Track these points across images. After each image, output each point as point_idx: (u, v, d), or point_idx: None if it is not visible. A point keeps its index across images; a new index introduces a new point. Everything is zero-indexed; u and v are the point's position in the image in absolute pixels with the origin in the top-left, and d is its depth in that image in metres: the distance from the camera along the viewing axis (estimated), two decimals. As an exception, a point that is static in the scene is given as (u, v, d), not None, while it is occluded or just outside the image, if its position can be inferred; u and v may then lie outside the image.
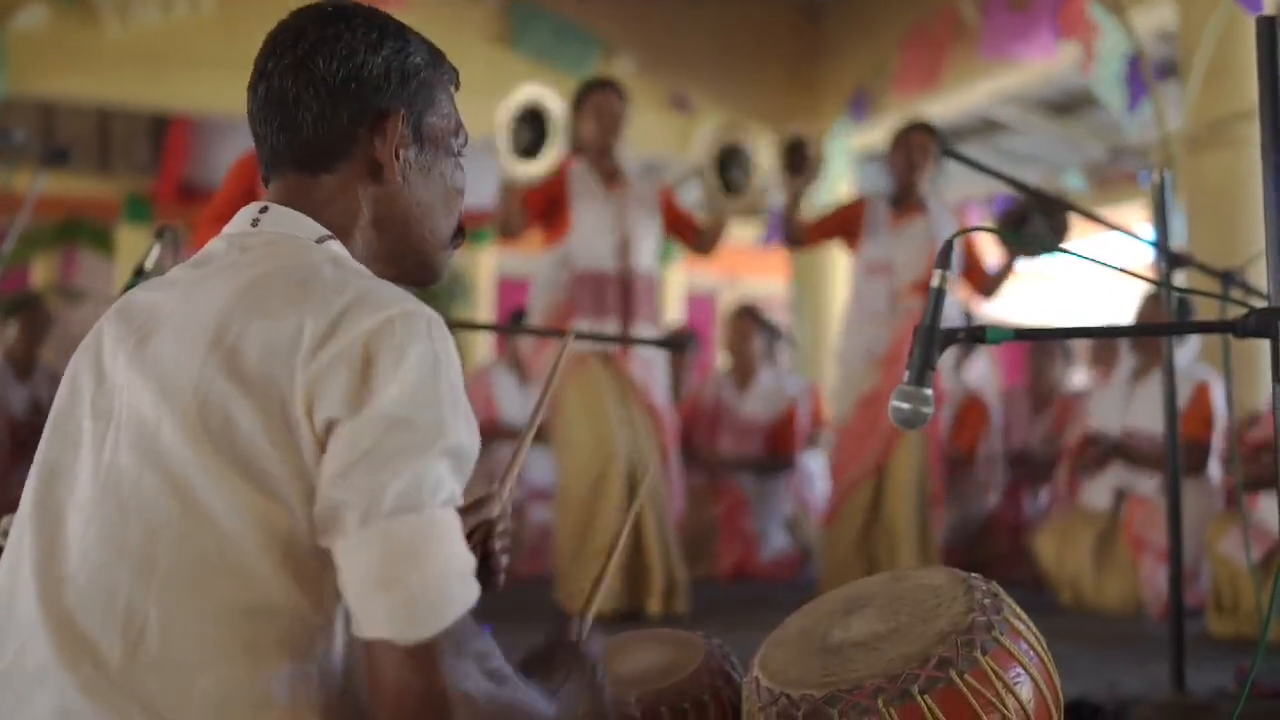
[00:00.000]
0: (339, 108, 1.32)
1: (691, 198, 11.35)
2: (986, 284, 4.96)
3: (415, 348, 1.16)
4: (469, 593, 1.15)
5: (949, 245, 1.81)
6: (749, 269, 13.74)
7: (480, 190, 12.28)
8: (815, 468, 7.07)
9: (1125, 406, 5.01)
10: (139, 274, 2.43)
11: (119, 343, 1.24)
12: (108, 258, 11.17)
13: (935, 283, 1.82)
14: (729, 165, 4.68)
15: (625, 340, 4.39)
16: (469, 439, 1.19)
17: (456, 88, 1.45)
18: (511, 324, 6.52)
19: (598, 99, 4.60)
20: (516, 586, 5.48)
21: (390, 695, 1.12)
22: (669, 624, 4.15)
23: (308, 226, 1.30)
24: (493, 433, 6.19)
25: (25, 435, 5.74)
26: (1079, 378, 7.69)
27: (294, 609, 1.15)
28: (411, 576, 1.11)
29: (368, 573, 1.11)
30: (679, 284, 12.59)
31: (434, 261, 1.42)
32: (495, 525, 1.62)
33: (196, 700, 1.11)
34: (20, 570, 1.19)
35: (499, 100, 8.20)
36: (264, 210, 1.32)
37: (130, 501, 1.16)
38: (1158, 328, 3.26)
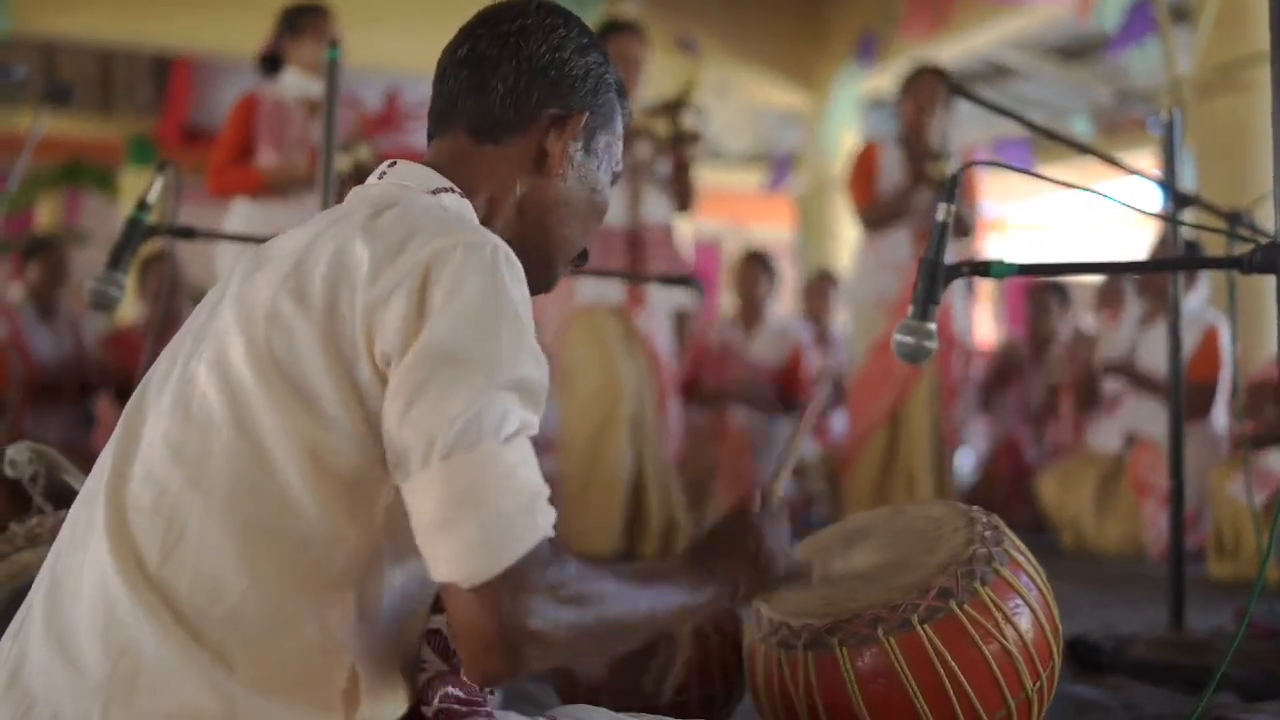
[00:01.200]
0: (533, 88, 1.36)
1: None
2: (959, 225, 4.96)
3: (474, 277, 1.14)
4: (534, 528, 1.12)
5: (953, 179, 1.80)
6: (754, 215, 13.70)
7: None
8: (839, 422, 7.08)
9: (1133, 350, 5.01)
10: (142, 207, 2.43)
11: (236, 278, 1.29)
12: (111, 200, 11.14)
13: (939, 216, 1.81)
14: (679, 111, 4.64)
15: (630, 277, 4.36)
16: (535, 371, 1.16)
17: (628, 129, 1.49)
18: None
19: (620, 44, 4.48)
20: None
21: (463, 636, 1.12)
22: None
23: (429, 178, 1.33)
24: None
25: (48, 378, 5.77)
26: (1086, 321, 7.69)
27: (333, 538, 1.15)
28: (469, 518, 1.09)
29: (429, 515, 1.11)
30: (683, 231, 12.56)
31: (555, 267, 1.44)
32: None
33: (219, 612, 1.13)
34: (104, 464, 1.24)
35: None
36: (392, 164, 1.36)
37: (195, 413, 1.19)
38: (1164, 263, 3.24)
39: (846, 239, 8.93)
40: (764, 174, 10.37)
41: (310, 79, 4.11)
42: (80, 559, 1.20)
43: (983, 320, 15.02)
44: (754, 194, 11.35)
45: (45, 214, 11.70)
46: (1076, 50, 8.96)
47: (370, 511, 1.16)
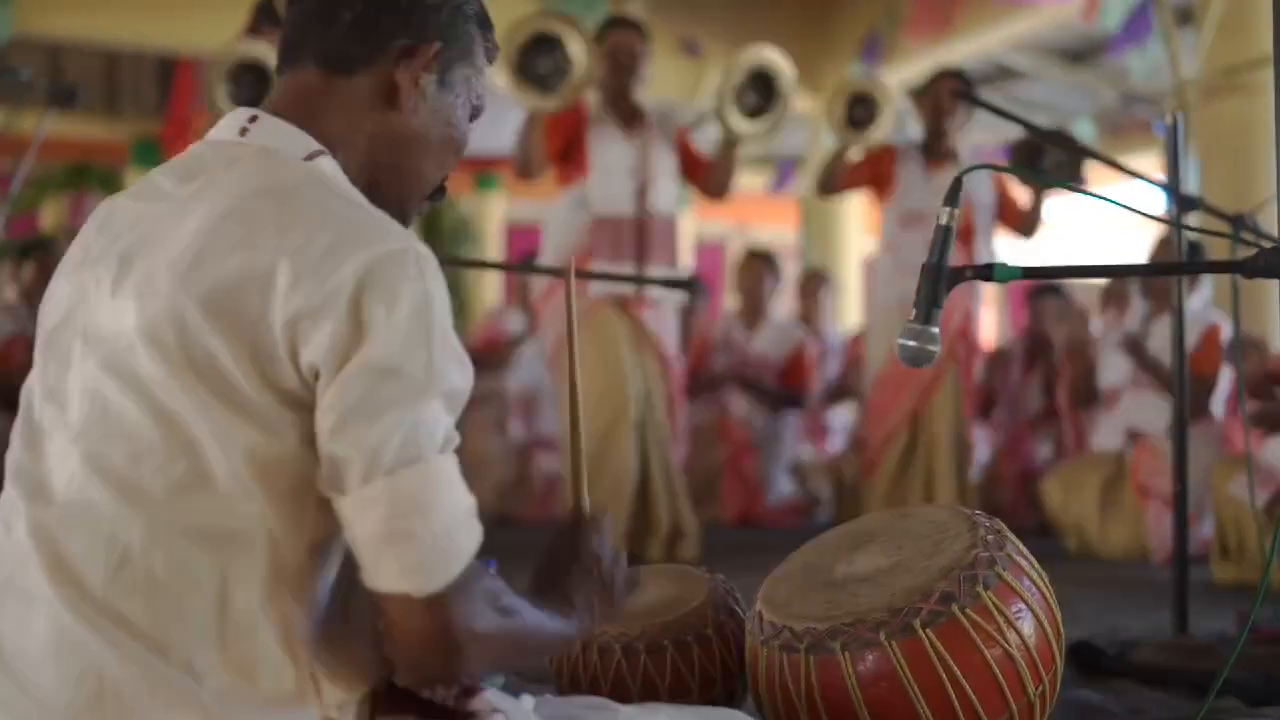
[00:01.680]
0: (382, 17, 1.30)
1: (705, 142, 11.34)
2: (1023, 223, 4.95)
3: (405, 290, 1.13)
4: (475, 536, 1.16)
5: (957, 182, 1.80)
6: (758, 217, 13.70)
7: (489, 136, 12.19)
8: (839, 424, 7.08)
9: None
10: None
11: (102, 262, 1.22)
12: (119, 200, 11.17)
13: (942, 220, 1.81)
14: (751, 92, 4.59)
15: (633, 279, 4.35)
16: (461, 379, 1.17)
17: (490, 60, 1.43)
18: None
19: (616, 38, 4.51)
20: (522, 530, 5.55)
21: (405, 642, 1.14)
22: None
23: (299, 140, 1.27)
24: (502, 362, 6.24)
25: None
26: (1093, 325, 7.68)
27: (279, 538, 1.15)
28: (420, 529, 1.11)
29: (375, 528, 1.11)
30: (688, 232, 12.54)
31: (408, 203, 1.38)
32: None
33: (180, 624, 1.12)
34: (13, 489, 1.20)
35: (507, 39, 8.14)
36: (253, 119, 1.29)
37: (115, 427, 1.15)
38: (1168, 267, 3.24)
39: (851, 241, 8.94)
40: (769, 176, 10.37)
41: None
42: (16, 589, 1.17)
43: (987, 321, 15.03)
44: (759, 195, 11.36)
45: (50, 215, 11.73)
46: (1082, 52, 8.95)
47: (311, 505, 1.16)
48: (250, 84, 3.89)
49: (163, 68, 9.85)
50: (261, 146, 1.26)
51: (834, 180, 5.00)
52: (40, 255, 5.88)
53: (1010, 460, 5.99)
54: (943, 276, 1.81)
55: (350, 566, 1.17)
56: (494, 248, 12.06)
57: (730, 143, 4.58)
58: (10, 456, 1.23)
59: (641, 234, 4.46)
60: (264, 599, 1.14)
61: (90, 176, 10.69)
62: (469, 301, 10.74)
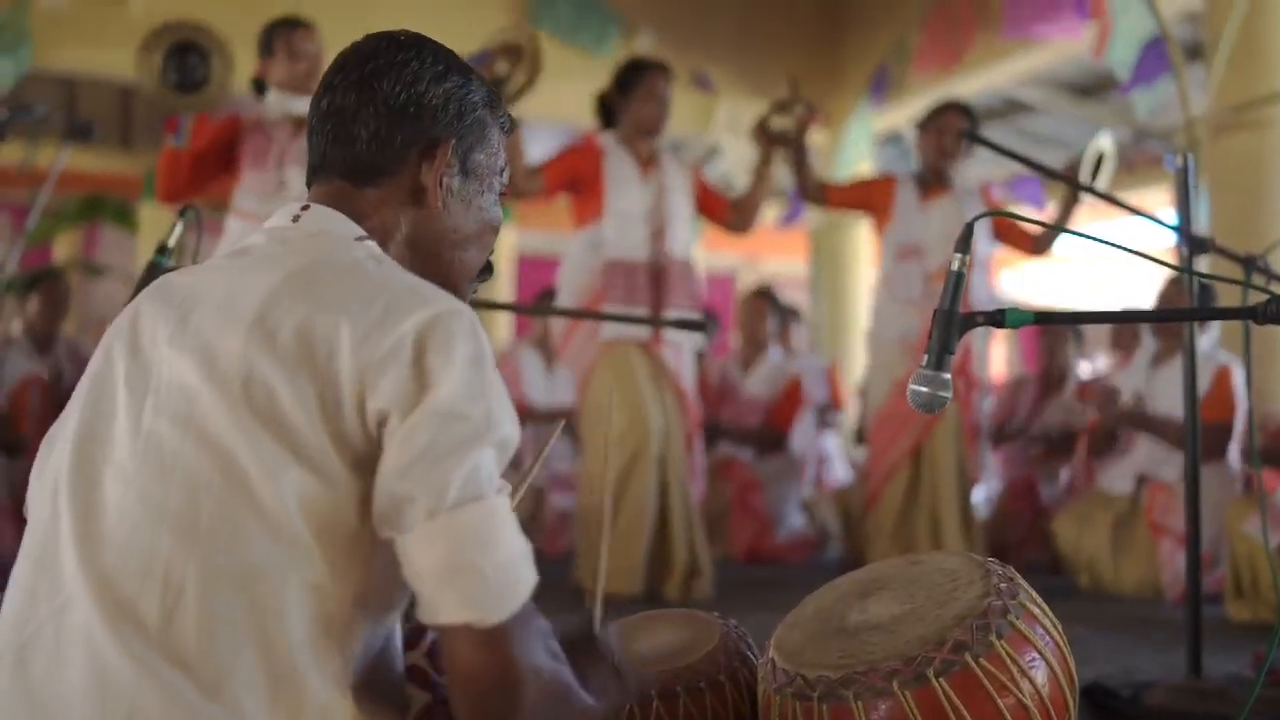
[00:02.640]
0: (395, 129, 1.38)
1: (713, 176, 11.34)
2: (1036, 243, 4.92)
3: (462, 344, 1.21)
4: (533, 573, 1.21)
5: (969, 229, 1.81)
6: (769, 250, 13.73)
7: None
8: (832, 449, 7.08)
9: (1146, 390, 5.00)
10: (162, 251, 2.45)
11: (158, 319, 1.28)
12: (130, 234, 11.22)
13: (954, 266, 1.82)
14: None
15: (646, 321, 4.36)
16: (513, 430, 1.24)
17: (507, 133, 1.51)
18: (538, 304, 6.53)
19: (653, 82, 4.51)
20: (539, 567, 5.55)
21: (467, 675, 1.18)
22: (688, 608, 4.16)
23: (347, 226, 1.35)
24: (521, 414, 6.22)
25: (45, 410, 5.78)
26: (1100, 363, 7.68)
27: (327, 586, 1.19)
28: (483, 562, 1.16)
29: (439, 562, 1.16)
30: (697, 264, 12.58)
31: (458, 290, 1.46)
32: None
33: (232, 664, 1.14)
34: (58, 530, 1.22)
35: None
36: (305, 208, 1.37)
37: (172, 467, 1.19)
38: (1178, 313, 3.25)
39: (861, 274, 8.95)
40: (780, 208, 10.39)
41: (290, 96, 4.12)
42: (53, 629, 1.18)
43: (997, 355, 15.00)
44: (769, 228, 11.37)
45: (64, 247, 11.80)
46: (1092, 87, 8.98)
47: (359, 557, 1.20)
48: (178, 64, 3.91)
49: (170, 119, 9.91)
50: (314, 229, 1.35)
51: (811, 190, 4.92)
52: (47, 287, 5.92)
53: (1021, 496, 5.97)
54: (954, 322, 1.82)
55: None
56: (506, 280, 12.09)
57: (761, 173, 4.61)
58: (42, 500, 1.26)
59: (658, 277, 4.46)
60: (312, 647, 1.17)
61: (104, 209, 10.74)
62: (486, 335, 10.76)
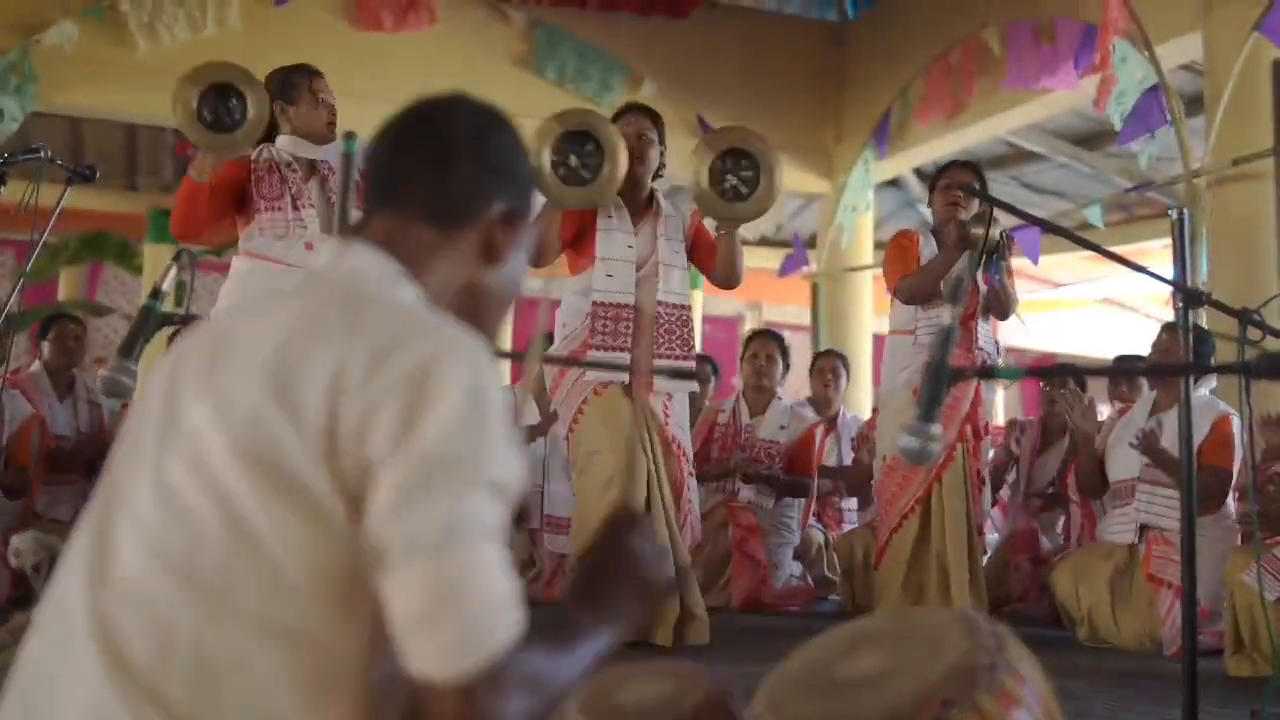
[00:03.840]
0: (490, 184, 1.43)
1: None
2: (997, 308, 4.91)
3: (459, 379, 1.18)
4: (511, 625, 1.16)
5: (958, 283, 1.81)
6: (773, 295, 13.76)
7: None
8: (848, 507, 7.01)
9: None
10: (155, 295, 2.45)
11: (190, 363, 1.29)
12: (133, 273, 11.26)
13: (946, 320, 1.82)
14: (727, 172, 4.48)
15: (596, 365, 4.34)
16: (510, 473, 1.21)
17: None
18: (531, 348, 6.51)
19: (625, 123, 4.51)
20: (534, 614, 5.51)
21: None
22: (683, 657, 4.12)
23: (384, 264, 1.36)
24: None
25: (63, 456, 5.80)
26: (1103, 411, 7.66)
27: (328, 636, 1.18)
28: (453, 613, 1.13)
29: (411, 609, 1.14)
30: (700, 307, 12.58)
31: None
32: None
33: (219, 713, 1.13)
34: (75, 568, 1.24)
35: (523, 121, 8.23)
36: (348, 247, 1.39)
37: (181, 515, 1.19)
38: (1173, 368, 3.24)
39: (862, 321, 8.96)
40: (782, 256, 10.41)
41: (305, 143, 4.15)
42: (57, 667, 1.19)
43: (997, 403, 14.99)
44: (771, 274, 11.40)
45: (67, 286, 11.83)
46: (1093, 137, 9.02)
47: (361, 609, 1.18)
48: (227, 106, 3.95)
49: (180, 142, 9.95)
50: (349, 268, 1.36)
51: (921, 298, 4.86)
52: (59, 330, 5.99)
53: (1021, 547, 5.94)
54: (944, 375, 1.81)
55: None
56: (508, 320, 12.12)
57: (723, 228, 4.52)
58: (82, 540, 1.26)
59: (641, 327, 4.45)
60: (307, 698, 1.16)
61: (106, 248, 10.78)
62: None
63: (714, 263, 4.61)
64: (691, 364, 4.59)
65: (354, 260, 1.37)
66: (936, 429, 1.82)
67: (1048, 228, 2.91)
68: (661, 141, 4.62)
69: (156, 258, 9.80)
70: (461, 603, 1.13)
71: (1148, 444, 4.82)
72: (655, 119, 4.60)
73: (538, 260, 4.42)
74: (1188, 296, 2.74)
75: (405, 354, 1.19)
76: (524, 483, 1.24)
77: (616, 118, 4.58)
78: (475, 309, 1.44)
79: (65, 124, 9.22)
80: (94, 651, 1.16)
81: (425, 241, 1.40)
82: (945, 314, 1.72)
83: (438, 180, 1.41)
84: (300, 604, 1.16)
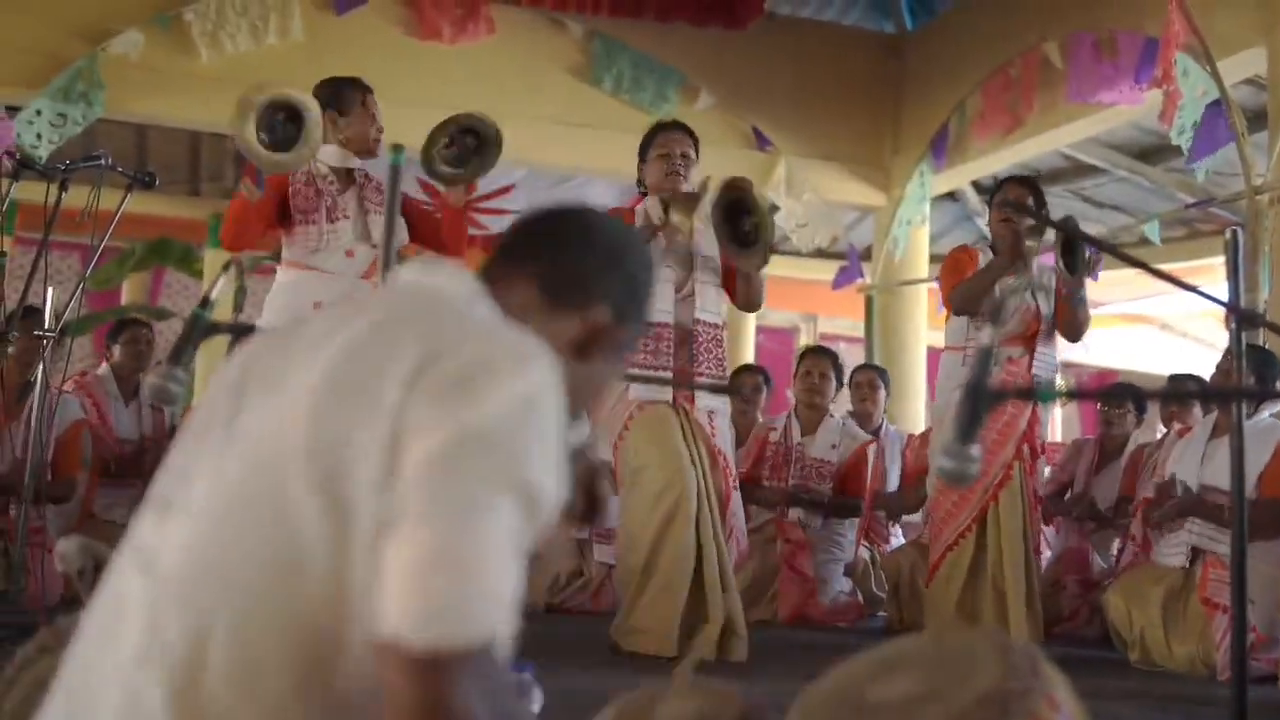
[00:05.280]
0: (611, 284, 1.47)
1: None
2: (1067, 329, 4.83)
3: (515, 381, 1.17)
4: (499, 622, 1.11)
5: (997, 305, 1.79)
6: (828, 307, 13.68)
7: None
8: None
9: (1202, 463, 4.90)
10: (204, 303, 2.48)
11: (260, 365, 1.30)
12: (194, 278, 11.41)
13: (985, 340, 1.80)
14: (739, 215, 4.35)
15: (673, 382, 4.34)
16: (548, 485, 1.17)
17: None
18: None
19: (662, 141, 4.51)
20: (575, 622, 5.51)
21: (393, 708, 1.10)
22: (724, 672, 4.11)
23: (469, 283, 1.38)
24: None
25: (123, 459, 5.89)
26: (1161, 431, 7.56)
27: (357, 652, 1.15)
28: (449, 580, 1.09)
29: (406, 566, 1.09)
30: (754, 317, 12.54)
31: None
32: (597, 466, 1.69)
33: (246, 715, 1.14)
34: (128, 563, 1.25)
35: (578, 131, 8.25)
36: (436, 264, 1.40)
37: (234, 513, 1.19)
38: (1224, 392, 3.19)
39: (916, 334, 8.90)
40: (836, 268, 10.34)
41: (350, 155, 4.19)
42: (101, 671, 1.20)
43: (1055, 422, 14.81)
44: (829, 285, 11.34)
45: (131, 291, 12.01)
46: (1153, 151, 8.89)
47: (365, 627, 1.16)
48: (280, 123, 3.98)
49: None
50: (430, 282, 1.37)
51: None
52: (131, 335, 6.12)
53: (1073, 567, 5.87)
54: (984, 397, 1.80)
55: None
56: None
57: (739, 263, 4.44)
58: (135, 541, 1.27)
59: (684, 342, 4.44)
60: (332, 711, 1.16)
61: (169, 254, 10.93)
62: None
63: (735, 289, 4.59)
64: (725, 381, 4.58)
65: (440, 277, 1.38)
66: (975, 450, 1.80)
67: (1095, 244, 2.88)
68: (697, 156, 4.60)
69: (217, 263, 9.91)
70: (460, 574, 1.09)
71: (1197, 509, 4.76)
72: (694, 137, 4.60)
73: None
74: (1241, 317, 2.70)
75: (468, 349, 1.19)
76: (560, 505, 1.20)
77: (654, 135, 4.58)
78: None
79: (130, 130, 9.35)
80: (135, 655, 1.17)
81: (530, 300, 1.42)
82: (984, 334, 1.69)
83: (568, 257, 1.45)
84: (331, 616, 1.15)
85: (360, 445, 1.15)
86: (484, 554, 1.11)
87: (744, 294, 4.55)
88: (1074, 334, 4.79)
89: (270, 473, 1.18)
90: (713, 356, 4.50)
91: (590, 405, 1.53)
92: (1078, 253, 4.55)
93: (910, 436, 7.16)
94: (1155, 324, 12.86)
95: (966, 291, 4.77)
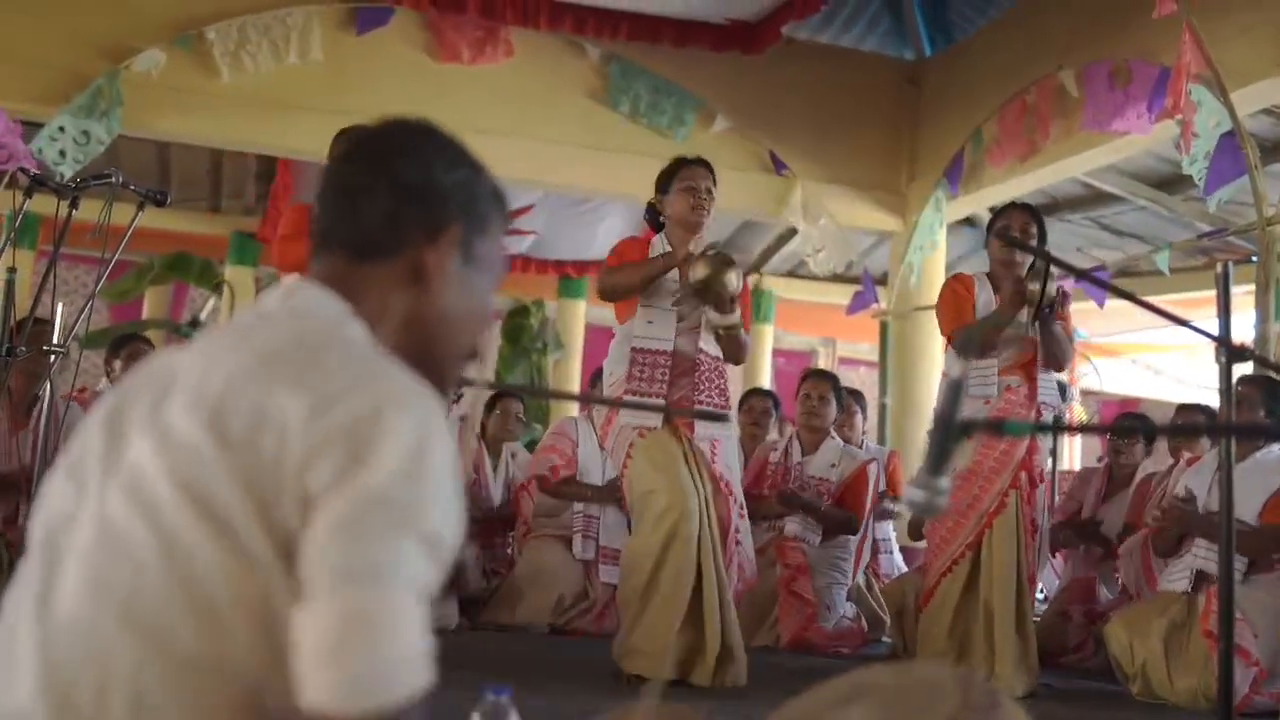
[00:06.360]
0: (404, 210, 1.40)
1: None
2: (1050, 360, 4.82)
3: (403, 431, 1.18)
4: (415, 679, 1.15)
5: (968, 334, 1.79)
6: (845, 331, 13.67)
7: (578, 244, 12.25)
8: (889, 537, 6.97)
9: (1209, 491, 4.88)
10: (194, 324, 2.51)
11: (136, 401, 1.28)
12: (215, 293, 11.50)
13: (954, 373, 1.81)
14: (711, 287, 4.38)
15: (666, 410, 4.37)
16: (446, 527, 1.20)
17: (504, 231, 1.54)
18: (592, 384, 6.56)
19: (687, 175, 4.54)
20: (579, 644, 5.51)
21: None
22: (722, 697, 4.11)
23: (331, 305, 1.37)
24: (571, 491, 6.22)
25: None
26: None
27: (264, 675, 1.17)
28: (359, 650, 1.12)
29: (319, 639, 1.12)
30: (771, 340, 12.55)
31: (446, 369, 1.47)
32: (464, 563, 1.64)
33: None
34: (21, 610, 1.23)
35: (595, 153, 8.30)
36: (296, 288, 1.39)
37: (120, 547, 1.19)
38: (1215, 428, 3.18)
39: (930, 360, 8.88)
40: (852, 293, 10.34)
41: None
42: (1, 702, 1.19)
43: (1075, 446, 14.73)
44: (842, 311, 11.34)
45: (152, 306, 12.10)
46: (1174, 180, 8.86)
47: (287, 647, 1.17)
48: None
49: (265, 168, 10.17)
50: (296, 308, 1.37)
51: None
52: (131, 351, 6.14)
53: (1079, 598, 5.84)
54: (953, 430, 1.80)
55: None
56: (575, 350, 12.18)
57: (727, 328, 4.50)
58: (28, 572, 1.26)
59: (687, 371, 4.47)
60: None
61: (189, 269, 11.01)
62: (548, 408, 10.80)
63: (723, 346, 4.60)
64: (728, 412, 4.59)
65: (301, 300, 1.37)
66: (944, 483, 1.80)
67: (1085, 278, 2.88)
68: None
69: (237, 279, 9.99)
70: (370, 642, 1.12)
71: (1200, 527, 4.76)
72: (712, 171, 4.62)
73: (610, 297, 4.49)
74: (1230, 351, 2.69)
75: (349, 405, 1.19)
76: (460, 541, 1.23)
77: (677, 169, 4.60)
78: (424, 338, 1.43)
79: (152, 148, 9.44)
80: (37, 702, 1.16)
81: (354, 277, 1.39)
82: (954, 366, 1.69)
83: (353, 218, 1.41)
84: (236, 640, 1.16)
85: (232, 485, 1.17)
86: (394, 614, 1.14)
87: (728, 350, 4.57)
88: (1054, 364, 4.79)
89: (152, 507, 1.19)
90: (714, 386, 4.52)
91: (470, 325, 1.48)
92: (1046, 286, 4.56)
93: (892, 454, 7.19)
94: (1179, 351, 12.81)
95: (972, 340, 4.76)
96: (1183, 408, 5.88)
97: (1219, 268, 2.71)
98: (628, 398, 4.37)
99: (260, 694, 1.18)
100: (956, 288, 4.97)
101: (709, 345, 4.53)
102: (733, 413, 4.62)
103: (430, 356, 1.43)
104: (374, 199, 1.40)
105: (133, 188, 4.26)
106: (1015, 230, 4.78)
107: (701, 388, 4.49)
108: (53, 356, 4.31)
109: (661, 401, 4.39)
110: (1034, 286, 4.61)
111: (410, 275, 1.40)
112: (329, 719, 1.11)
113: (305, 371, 1.22)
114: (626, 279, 4.45)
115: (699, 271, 4.31)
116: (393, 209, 1.40)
